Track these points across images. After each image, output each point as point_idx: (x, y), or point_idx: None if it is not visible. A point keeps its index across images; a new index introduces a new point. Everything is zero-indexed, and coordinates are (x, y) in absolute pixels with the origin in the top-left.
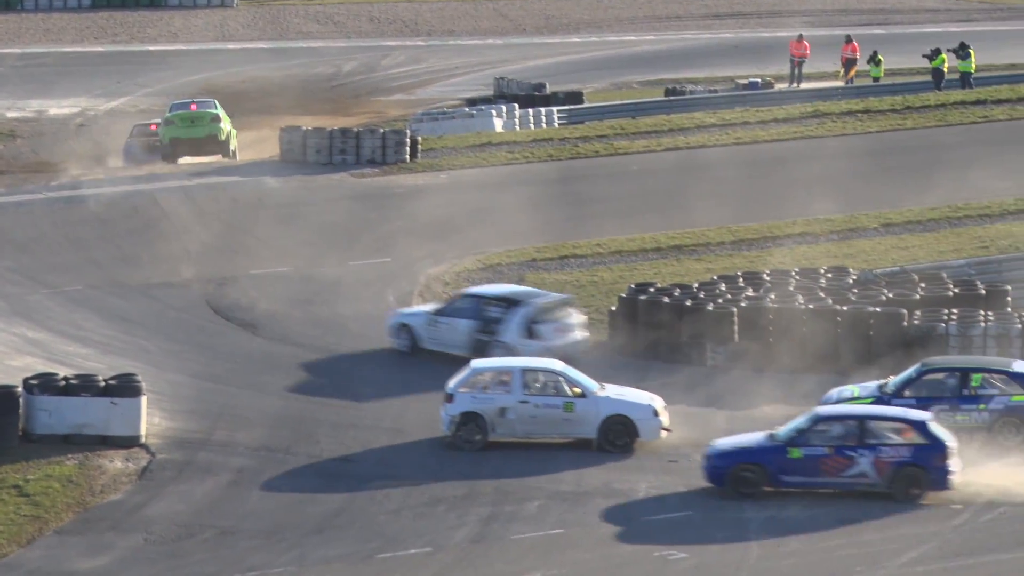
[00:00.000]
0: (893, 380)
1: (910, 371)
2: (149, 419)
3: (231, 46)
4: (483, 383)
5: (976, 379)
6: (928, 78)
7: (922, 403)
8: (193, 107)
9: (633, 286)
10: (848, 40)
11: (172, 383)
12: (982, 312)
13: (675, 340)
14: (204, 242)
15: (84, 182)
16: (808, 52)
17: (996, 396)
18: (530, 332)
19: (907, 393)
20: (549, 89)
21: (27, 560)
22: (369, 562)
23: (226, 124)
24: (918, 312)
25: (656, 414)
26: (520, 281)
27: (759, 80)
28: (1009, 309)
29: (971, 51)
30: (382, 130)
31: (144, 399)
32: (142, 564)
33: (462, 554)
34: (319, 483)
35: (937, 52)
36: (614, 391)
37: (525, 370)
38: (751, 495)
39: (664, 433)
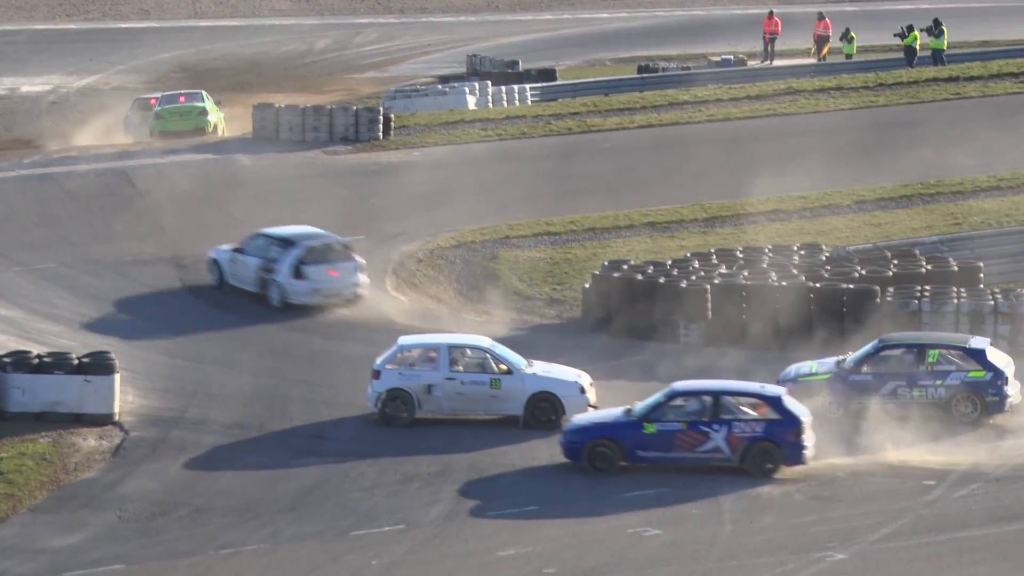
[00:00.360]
0: (851, 356)
1: (867, 347)
2: (123, 397)
3: (203, 23)
4: (410, 360)
5: (933, 355)
6: (901, 55)
7: (879, 379)
8: (182, 99)
9: (606, 263)
10: (820, 17)
11: (145, 361)
12: (955, 289)
13: (648, 317)
14: (177, 219)
15: (56, 159)
16: (780, 29)
17: (953, 372)
18: (298, 273)
19: (864, 369)
20: (522, 66)
21: (1, 538)
22: (343, 539)
23: (214, 115)
24: (891, 289)
25: (583, 391)
26: (493, 259)
27: (732, 57)
28: (982, 286)
29: (944, 28)
30: (355, 108)
31: (118, 377)
32: (116, 541)
33: (436, 531)
34: (293, 460)
35: (910, 29)
36: (541, 368)
37: (452, 347)
38: (606, 470)
39: (590, 410)
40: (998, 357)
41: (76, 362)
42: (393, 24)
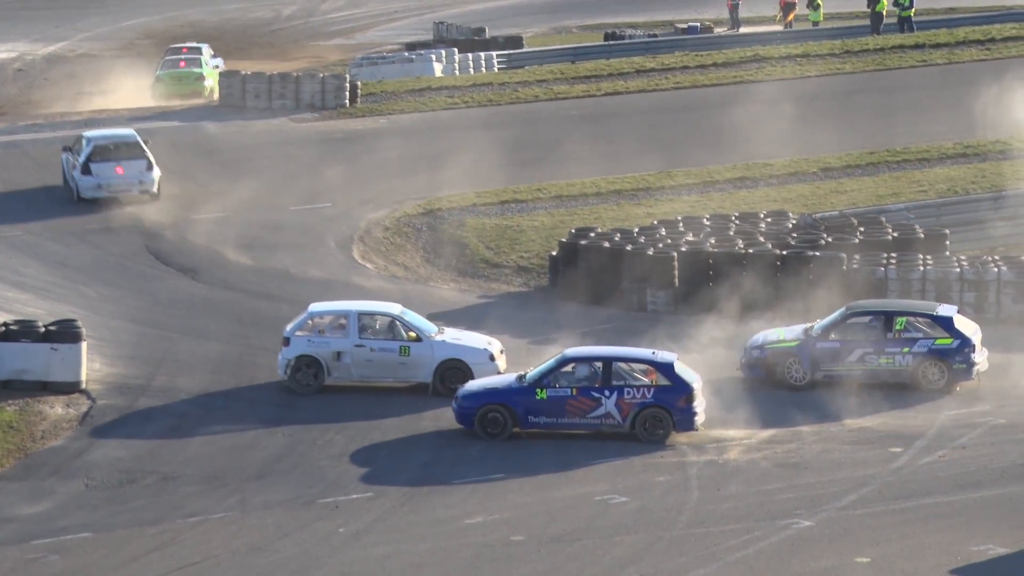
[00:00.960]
0: (818, 323)
1: (835, 315)
2: (89, 365)
3: None
4: (320, 327)
5: (900, 322)
6: (867, 23)
7: (846, 346)
8: (182, 64)
9: (573, 231)
10: None
11: (112, 329)
12: (921, 256)
13: (615, 285)
14: None
15: (22, 127)
16: None
17: (920, 339)
18: (86, 169)
19: (832, 336)
20: (489, 34)
21: None
22: (310, 507)
23: (210, 79)
24: (857, 256)
25: (492, 359)
26: (460, 227)
27: (698, 24)
28: (948, 253)
29: None
30: (322, 75)
31: (84, 345)
32: (83, 510)
33: (404, 499)
34: (260, 429)
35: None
36: (451, 335)
37: (362, 314)
38: (497, 436)
39: None
40: (965, 325)
41: (42, 330)
42: None
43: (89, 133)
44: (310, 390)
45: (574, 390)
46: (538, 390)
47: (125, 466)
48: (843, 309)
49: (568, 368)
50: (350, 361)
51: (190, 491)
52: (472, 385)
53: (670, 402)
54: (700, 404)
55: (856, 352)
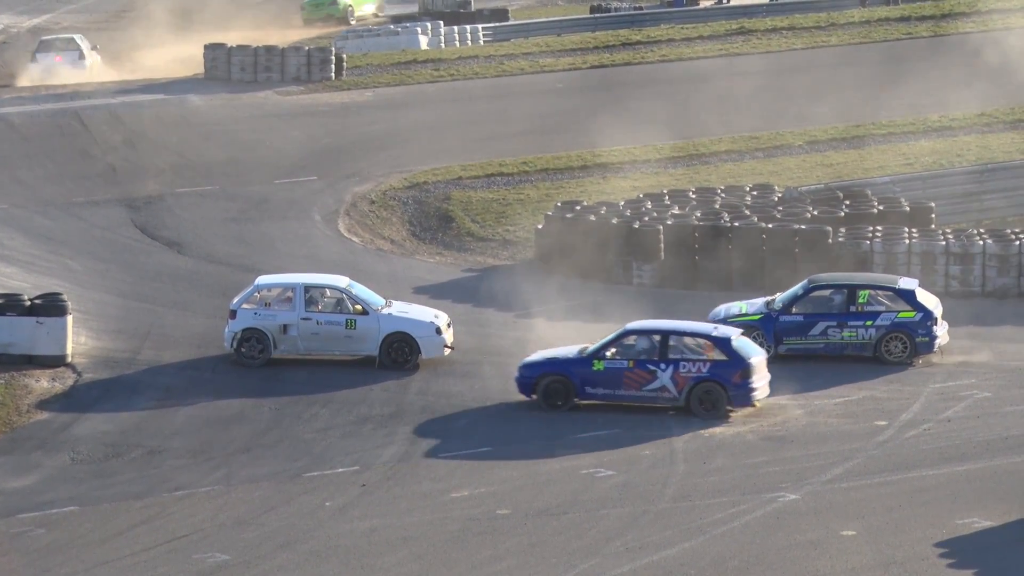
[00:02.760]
0: (780, 296)
1: (797, 288)
2: (75, 338)
3: None
4: (267, 299)
5: (863, 295)
6: None
7: (809, 319)
8: None
9: (559, 204)
10: None
11: (98, 302)
12: (907, 229)
13: (601, 258)
14: (129, 160)
15: (6, 100)
16: None
17: (883, 312)
18: (33, 58)
19: (794, 309)
20: (474, 7)
21: None
22: (296, 480)
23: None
24: (843, 229)
25: (439, 332)
26: (446, 200)
27: None
28: (933, 226)
29: None
30: (307, 48)
31: (70, 318)
32: (69, 483)
33: (390, 472)
34: (246, 402)
35: None
36: (398, 309)
37: (308, 287)
38: (559, 407)
39: (447, 351)
40: (927, 298)
41: (28, 304)
42: None
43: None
44: (256, 363)
45: (631, 362)
46: (595, 361)
47: (111, 440)
48: (805, 282)
49: (628, 341)
50: (296, 334)
51: (176, 465)
52: (534, 355)
53: (726, 377)
54: (760, 379)
55: (819, 325)
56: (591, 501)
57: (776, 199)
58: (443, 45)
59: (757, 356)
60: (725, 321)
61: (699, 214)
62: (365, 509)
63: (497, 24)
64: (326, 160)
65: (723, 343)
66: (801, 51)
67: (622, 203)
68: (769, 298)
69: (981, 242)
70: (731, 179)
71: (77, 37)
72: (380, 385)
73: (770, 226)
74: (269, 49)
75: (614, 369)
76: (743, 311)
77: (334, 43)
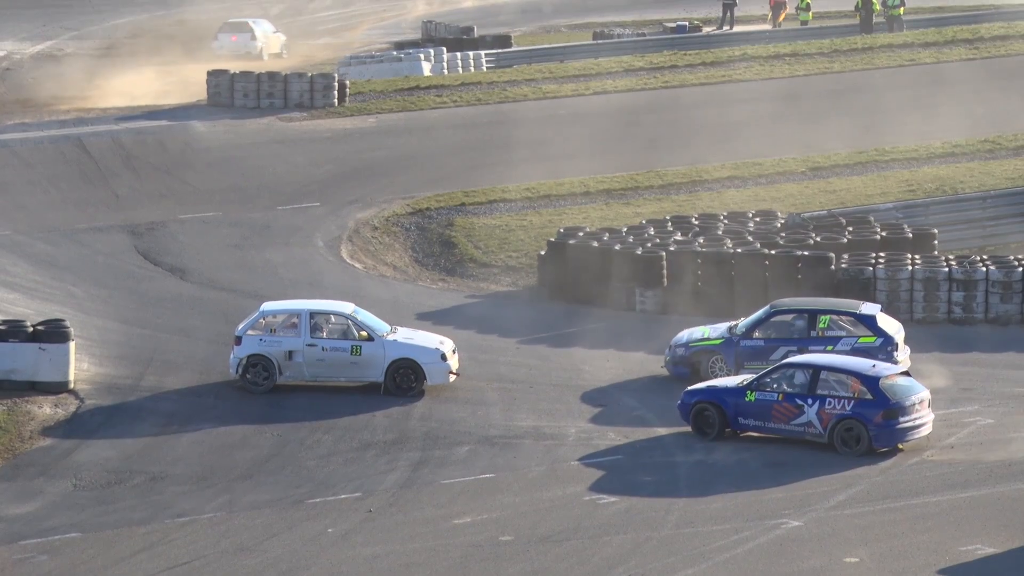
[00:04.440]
0: (743, 321)
1: (759, 313)
2: (78, 365)
3: None
4: (272, 326)
5: (824, 320)
6: (856, 22)
7: (770, 344)
8: None
9: (562, 230)
10: None
11: (101, 328)
12: (909, 256)
13: (604, 285)
14: (132, 187)
15: (10, 126)
16: None
17: (844, 337)
18: (216, 38)
19: (756, 334)
20: (477, 33)
21: None
22: (299, 507)
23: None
24: (846, 256)
25: (444, 358)
26: (449, 226)
27: (687, 23)
28: (936, 253)
29: None
30: (310, 74)
31: (73, 344)
32: (71, 510)
33: (392, 499)
34: (249, 428)
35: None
36: (404, 335)
37: (313, 313)
38: (709, 435)
39: (452, 377)
40: (888, 323)
41: (31, 330)
42: None
43: None
44: (261, 389)
45: (780, 396)
46: (748, 392)
47: (113, 466)
48: (767, 307)
49: (779, 374)
50: (302, 360)
51: (178, 491)
52: (700, 383)
53: (868, 416)
54: (911, 420)
55: (780, 350)
56: (594, 528)
57: (779, 225)
58: (446, 71)
59: (914, 396)
60: (687, 346)
61: (702, 240)
62: (368, 536)
63: (500, 50)
64: (329, 186)
65: (869, 381)
66: (804, 78)
67: (624, 229)
68: (732, 323)
69: (984, 268)
70: (734, 205)
71: (251, 21)
72: (383, 412)
73: (773, 252)
74: (272, 75)
75: (765, 401)
76: (705, 336)
77: (337, 69)
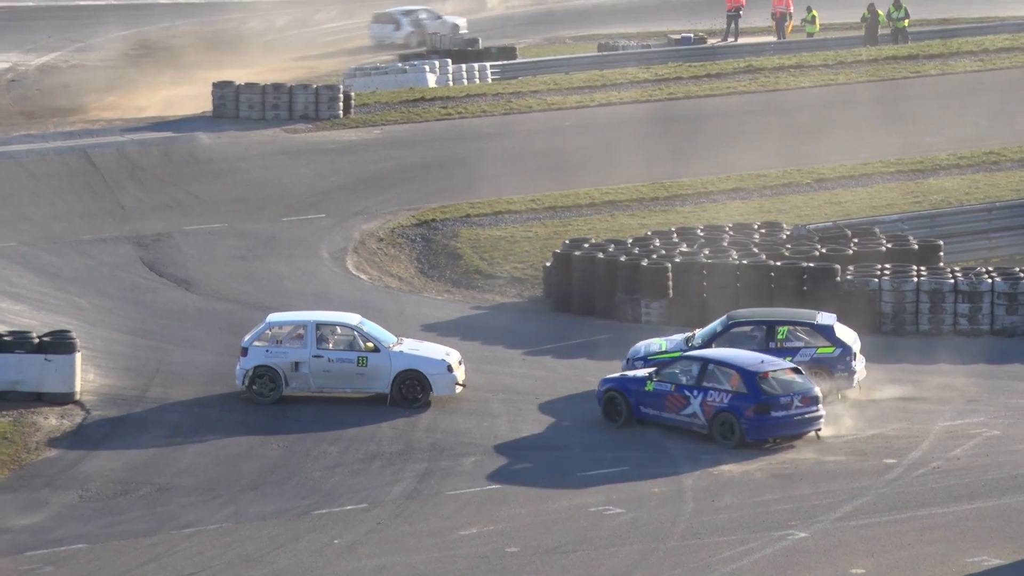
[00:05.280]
0: (699, 333)
1: (715, 324)
2: (84, 376)
3: (163, 1)
4: (278, 337)
5: (782, 332)
6: (861, 34)
7: None
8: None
9: (567, 241)
10: None
11: (106, 340)
12: (915, 267)
13: (609, 296)
14: (137, 198)
15: (15, 138)
16: (744, 2)
17: (802, 348)
18: (369, 28)
19: (714, 346)
20: (482, 44)
21: None
22: (305, 518)
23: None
24: (851, 267)
25: (450, 369)
26: (454, 238)
27: (692, 35)
28: (942, 264)
29: (904, 7)
30: (315, 86)
31: (78, 356)
32: (77, 521)
33: (398, 510)
34: (255, 439)
35: (874, 12)
36: (409, 346)
37: (319, 324)
38: (618, 422)
39: (459, 388)
40: (845, 333)
41: (37, 341)
42: (352, 2)
43: None
44: (267, 400)
45: (673, 386)
46: (648, 382)
47: (119, 477)
48: (724, 318)
49: (676, 367)
50: (308, 371)
51: (184, 502)
52: (615, 373)
53: (741, 410)
54: (786, 415)
55: None
56: (600, 539)
57: (784, 237)
58: (451, 83)
59: (805, 393)
60: (645, 359)
61: (707, 252)
62: (374, 547)
63: (505, 62)
64: (334, 198)
65: (748, 376)
66: (808, 89)
67: (630, 240)
68: (688, 334)
69: (989, 280)
70: (739, 217)
71: (396, 11)
72: (388, 423)
73: (778, 264)
74: (277, 87)
75: (662, 391)
76: (662, 348)
77: (342, 81)
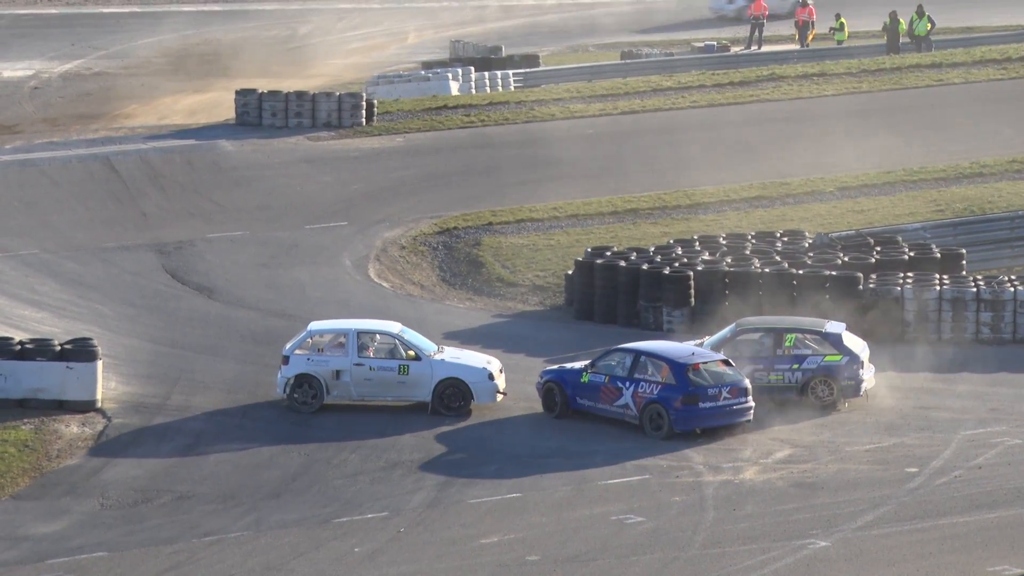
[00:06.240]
0: (708, 340)
1: (724, 331)
2: (105, 383)
3: (186, 8)
4: (319, 345)
5: (790, 339)
6: (883, 41)
7: (736, 363)
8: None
9: (590, 250)
10: (803, 4)
11: (128, 347)
12: (937, 276)
13: (631, 304)
14: (160, 206)
15: (38, 145)
16: (767, 12)
17: (810, 356)
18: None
19: (723, 352)
20: (505, 52)
21: None
22: (325, 526)
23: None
24: (873, 276)
25: (492, 378)
26: (476, 246)
27: (715, 43)
28: (964, 273)
29: (927, 15)
30: (338, 93)
31: (100, 363)
32: (98, 529)
33: (419, 518)
34: (276, 447)
35: (895, 20)
36: (451, 354)
37: (361, 332)
38: (554, 412)
39: (500, 397)
40: (854, 341)
41: (58, 348)
42: (376, 9)
43: None
44: (309, 409)
45: (607, 378)
46: (584, 373)
47: (140, 485)
48: (732, 326)
49: (610, 359)
50: (349, 380)
51: (205, 510)
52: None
53: (669, 401)
54: (714, 405)
55: (746, 369)
56: (621, 548)
57: (807, 245)
58: (474, 91)
59: (733, 385)
60: None
61: (729, 260)
62: (394, 555)
63: (528, 70)
64: (356, 205)
65: (677, 368)
66: (832, 97)
67: (652, 248)
68: (698, 341)
69: (1012, 289)
70: (761, 225)
71: None
72: (410, 431)
73: (801, 272)
74: (300, 95)
75: (596, 383)
76: None
77: (365, 89)
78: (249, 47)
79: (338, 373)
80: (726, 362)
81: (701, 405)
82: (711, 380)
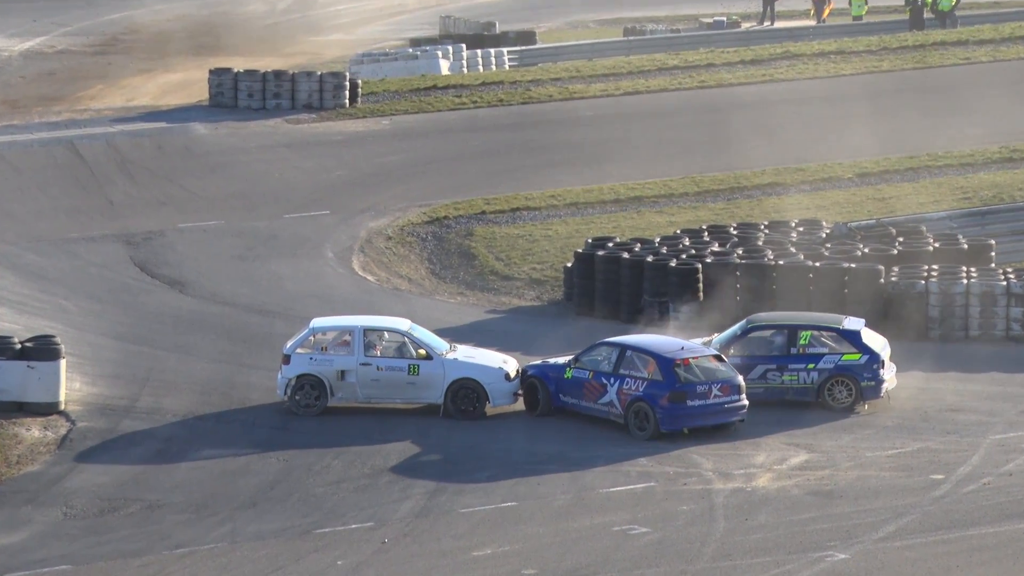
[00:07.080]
0: (717, 337)
1: (735, 328)
2: (69, 384)
3: None
4: (323, 344)
5: (805, 337)
6: (906, 17)
7: (748, 362)
8: None
9: (590, 240)
10: None
11: (94, 345)
12: (964, 268)
13: (635, 299)
14: (128, 193)
15: None
16: None
17: (826, 355)
18: None
19: (732, 351)
20: (499, 29)
21: None
22: (306, 538)
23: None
24: (896, 268)
25: (508, 378)
26: (468, 236)
27: (725, 19)
28: (993, 265)
29: None
30: (319, 73)
31: (63, 363)
32: (61, 540)
33: (407, 529)
34: (253, 453)
35: None
36: (464, 353)
37: (367, 330)
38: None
39: (517, 398)
40: (874, 339)
41: (18, 347)
42: None
43: None
44: (312, 411)
45: (591, 374)
46: (567, 369)
47: (107, 493)
48: (743, 322)
49: (596, 354)
50: (355, 380)
51: (177, 520)
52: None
53: (655, 398)
54: (703, 404)
55: (758, 368)
56: (624, 561)
57: (824, 235)
58: (465, 70)
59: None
60: None
61: (741, 251)
62: (380, 568)
63: (523, 48)
64: (339, 193)
65: (663, 363)
66: (851, 77)
67: (658, 239)
68: (706, 338)
69: None
70: (775, 214)
71: None
72: (397, 436)
73: (818, 265)
74: (279, 74)
75: (577, 379)
76: None
77: (348, 68)
78: (224, 23)
79: (343, 373)
80: (718, 357)
81: (689, 403)
82: (701, 376)
